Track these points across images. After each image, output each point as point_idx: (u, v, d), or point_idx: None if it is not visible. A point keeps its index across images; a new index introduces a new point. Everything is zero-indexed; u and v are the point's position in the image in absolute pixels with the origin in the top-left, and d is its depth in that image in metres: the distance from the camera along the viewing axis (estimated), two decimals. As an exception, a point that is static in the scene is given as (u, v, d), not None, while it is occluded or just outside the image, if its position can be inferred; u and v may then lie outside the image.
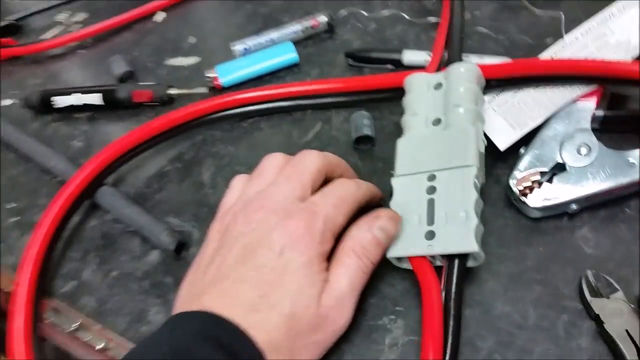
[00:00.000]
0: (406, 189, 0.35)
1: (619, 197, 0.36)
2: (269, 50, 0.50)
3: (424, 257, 0.33)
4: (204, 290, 0.30)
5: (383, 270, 0.36)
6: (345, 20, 0.52)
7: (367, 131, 0.42)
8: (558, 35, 0.44)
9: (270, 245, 0.30)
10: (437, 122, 0.37)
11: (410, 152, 0.37)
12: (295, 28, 0.51)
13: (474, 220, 0.32)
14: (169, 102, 0.50)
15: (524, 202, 0.36)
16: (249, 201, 0.33)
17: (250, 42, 0.51)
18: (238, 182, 0.36)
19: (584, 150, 0.36)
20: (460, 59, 0.39)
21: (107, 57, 0.55)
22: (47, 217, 0.39)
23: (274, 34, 0.51)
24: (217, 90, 0.49)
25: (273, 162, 0.36)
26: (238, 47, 0.51)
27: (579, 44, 0.39)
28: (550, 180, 0.36)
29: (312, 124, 0.45)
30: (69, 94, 0.50)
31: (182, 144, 0.46)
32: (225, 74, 0.49)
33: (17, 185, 0.46)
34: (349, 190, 0.34)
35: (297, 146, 0.44)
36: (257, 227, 0.31)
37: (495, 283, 0.34)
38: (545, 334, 0.32)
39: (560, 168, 0.36)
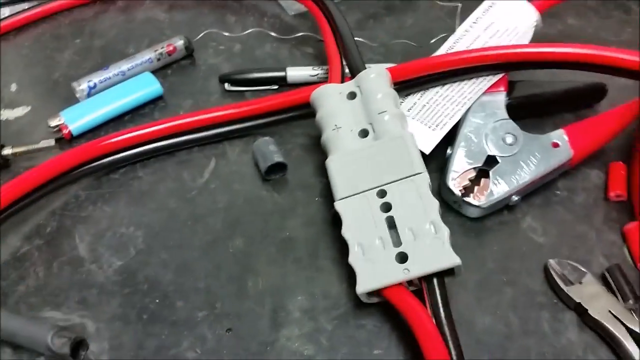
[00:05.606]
0: (356, 212, 0.31)
1: (548, 180, 0.35)
2: (123, 85, 0.41)
3: (399, 284, 0.29)
4: None
5: (348, 312, 0.31)
6: (204, 43, 0.46)
7: (279, 158, 0.36)
8: (429, 37, 0.44)
9: None
10: (364, 133, 0.33)
11: (347, 171, 0.32)
12: (148, 56, 0.43)
13: (445, 231, 0.29)
14: (3, 166, 0.38)
15: (467, 203, 0.34)
16: None
17: (96, 78, 0.42)
18: None
19: (509, 139, 0.35)
20: (364, 67, 0.36)
21: None
22: None
23: (123, 66, 0.43)
24: (67, 140, 0.39)
25: None
26: (82, 85, 0.41)
27: (470, 36, 0.39)
28: (486, 176, 0.34)
29: (204, 162, 0.38)
30: None
31: (36, 216, 0.36)
32: (74, 119, 0.39)
33: None
34: None
35: (193, 190, 0.37)
36: None
37: (466, 295, 0.31)
38: (534, 338, 0.30)
39: (491, 161, 0.35)
